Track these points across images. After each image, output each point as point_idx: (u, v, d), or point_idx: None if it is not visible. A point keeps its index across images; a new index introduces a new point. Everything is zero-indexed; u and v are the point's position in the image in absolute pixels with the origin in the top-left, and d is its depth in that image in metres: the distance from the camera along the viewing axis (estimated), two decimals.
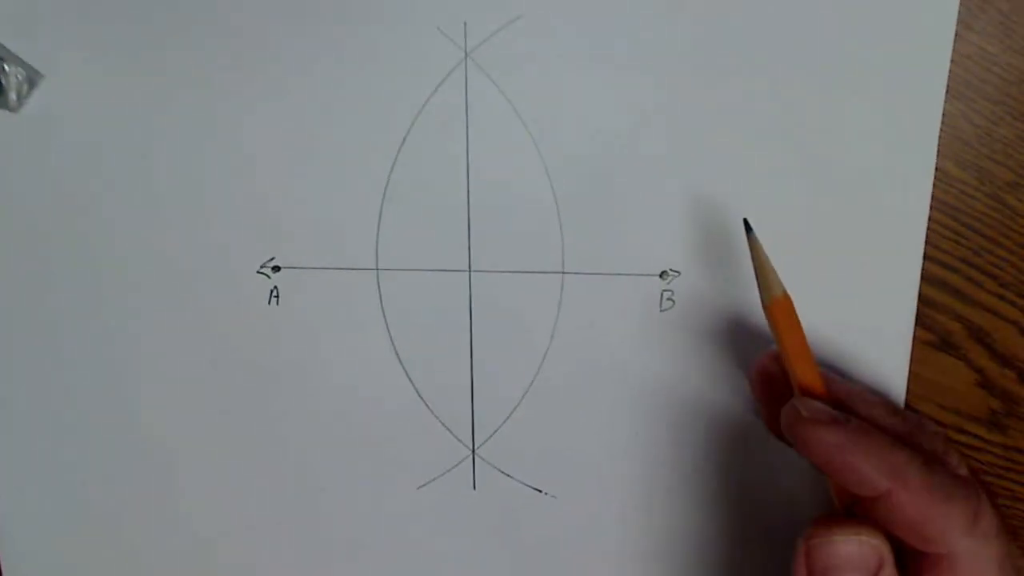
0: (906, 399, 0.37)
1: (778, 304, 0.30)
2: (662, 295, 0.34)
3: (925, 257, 0.35)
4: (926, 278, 0.35)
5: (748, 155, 0.33)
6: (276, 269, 0.34)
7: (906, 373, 0.35)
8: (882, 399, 0.32)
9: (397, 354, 0.35)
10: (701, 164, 0.33)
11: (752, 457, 0.36)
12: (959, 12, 0.33)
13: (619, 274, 0.34)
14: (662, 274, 0.34)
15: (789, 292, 0.30)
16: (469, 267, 0.34)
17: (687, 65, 0.32)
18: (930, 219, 0.35)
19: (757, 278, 0.30)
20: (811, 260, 0.34)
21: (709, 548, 0.37)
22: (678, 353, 0.35)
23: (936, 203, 0.35)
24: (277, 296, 0.34)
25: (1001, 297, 0.36)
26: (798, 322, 0.30)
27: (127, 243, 0.34)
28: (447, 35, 0.32)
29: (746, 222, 0.31)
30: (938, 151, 0.34)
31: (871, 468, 0.27)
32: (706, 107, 0.33)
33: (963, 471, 0.31)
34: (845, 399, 0.31)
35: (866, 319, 0.35)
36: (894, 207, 0.34)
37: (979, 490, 0.28)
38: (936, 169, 0.34)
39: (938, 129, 0.33)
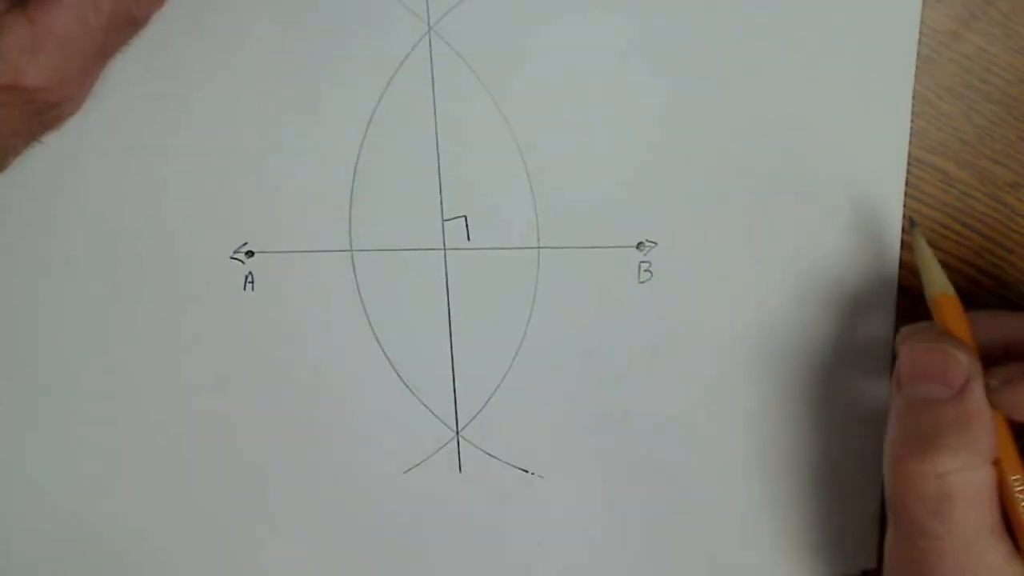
0: None
1: (945, 302, 0.30)
2: (640, 266, 0.34)
3: None
4: None
5: (722, 122, 0.33)
6: (250, 254, 0.34)
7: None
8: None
9: (376, 336, 0.34)
10: (674, 132, 0.33)
11: (734, 425, 0.36)
12: (959, 12, 0.33)
13: (595, 247, 0.34)
14: (639, 245, 0.34)
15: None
16: (444, 245, 0.34)
17: (659, 33, 0.33)
18: (930, 219, 0.35)
19: (922, 276, 0.31)
20: (789, 234, 0.34)
21: (696, 521, 0.36)
22: (657, 324, 0.35)
23: (936, 203, 0.35)
24: (252, 281, 0.34)
25: (1001, 297, 0.36)
26: (963, 315, 0.30)
27: (97, 233, 0.34)
28: (409, 8, 0.32)
29: (911, 220, 0.32)
30: (938, 151, 0.34)
31: None
32: (679, 74, 0.33)
33: None
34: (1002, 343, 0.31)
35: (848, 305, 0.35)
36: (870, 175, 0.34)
37: None
38: (936, 169, 0.34)
39: (909, 108, 0.34)
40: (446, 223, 0.34)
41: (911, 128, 0.34)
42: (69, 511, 0.36)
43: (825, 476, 0.36)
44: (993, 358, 0.30)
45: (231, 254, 0.34)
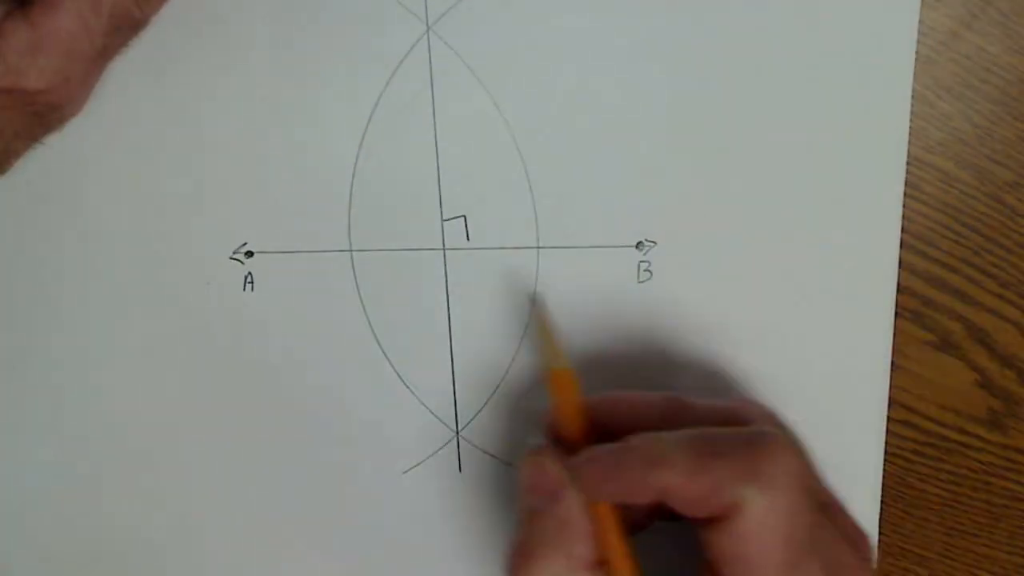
0: (905, 399, 0.36)
1: (559, 376, 0.30)
2: (639, 266, 0.34)
3: (925, 257, 0.35)
4: (926, 278, 0.35)
5: (721, 121, 0.33)
6: (249, 255, 0.34)
7: (888, 379, 0.36)
8: (641, 395, 0.31)
9: (375, 336, 0.34)
10: (674, 131, 0.33)
11: None
12: (959, 12, 0.33)
13: (595, 247, 0.34)
14: (638, 244, 0.34)
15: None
16: (443, 245, 0.34)
17: (658, 33, 0.33)
18: (930, 219, 0.35)
19: (540, 350, 0.31)
20: (788, 233, 0.34)
21: None
22: (657, 323, 0.35)
23: (936, 203, 0.35)
24: (252, 282, 0.34)
25: (1001, 297, 0.36)
26: (578, 394, 0.30)
27: (97, 233, 0.34)
28: (408, 8, 0.32)
29: (535, 296, 0.33)
30: (938, 151, 0.34)
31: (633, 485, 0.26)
32: (678, 74, 0.33)
33: (765, 425, 0.29)
34: (616, 420, 0.30)
35: (844, 310, 0.35)
36: (868, 179, 0.34)
37: (773, 441, 0.26)
38: (936, 169, 0.34)
39: (908, 112, 0.34)
40: (445, 223, 0.34)
41: (911, 128, 0.34)
42: (69, 511, 0.36)
43: (825, 475, 0.36)
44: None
45: (231, 254, 0.34)
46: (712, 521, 0.26)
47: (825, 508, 0.29)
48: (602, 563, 0.27)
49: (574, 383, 0.30)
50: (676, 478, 0.26)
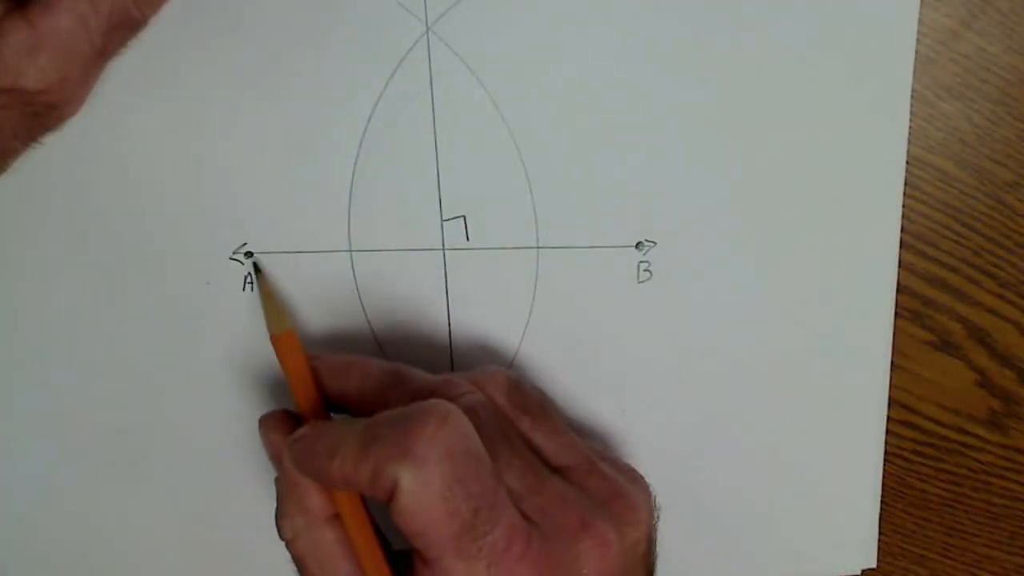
0: (905, 399, 0.36)
1: (282, 339, 0.31)
2: (639, 266, 0.34)
3: (925, 257, 0.35)
4: (926, 278, 0.35)
5: (720, 121, 0.33)
6: (249, 255, 0.34)
7: (887, 379, 0.36)
8: (366, 361, 0.31)
9: (375, 336, 0.34)
10: (673, 131, 0.33)
11: (732, 425, 0.36)
12: (959, 12, 0.33)
13: (595, 247, 0.34)
14: (638, 245, 0.34)
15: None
16: (443, 245, 0.34)
17: (657, 32, 0.32)
18: (930, 219, 0.35)
19: (265, 313, 0.32)
20: (788, 233, 0.34)
21: (696, 521, 0.36)
22: (657, 324, 0.35)
23: (936, 203, 0.35)
24: (251, 282, 0.34)
25: (1001, 297, 0.36)
26: (302, 355, 0.31)
27: (96, 233, 0.33)
28: (407, 8, 0.32)
29: (255, 265, 0.33)
30: (938, 151, 0.34)
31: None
32: (677, 74, 0.33)
33: (465, 398, 0.29)
34: (343, 383, 0.31)
35: (844, 303, 0.35)
36: (867, 179, 0.34)
37: (428, 415, 0.26)
38: (936, 169, 0.34)
39: (908, 114, 0.34)
40: (445, 223, 0.34)
41: (910, 128, 0.34)
42: (68, 510, 0.36)
43: (824, 476, 0.36)
44: (368, 402, 0.30)
45: (230, 255, 0.34)
46: (388, 503, 0.26)
47: (564, 471, 0.29)
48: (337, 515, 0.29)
49: (296, 345, 0.30)
50: (347, 466, 0.26)
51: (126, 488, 0.36)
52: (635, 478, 0.30)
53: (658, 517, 0.30)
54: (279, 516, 0.29)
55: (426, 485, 0.25)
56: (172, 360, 0.35)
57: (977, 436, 0.37)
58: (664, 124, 0.33)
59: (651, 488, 0.30)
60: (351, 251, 0.34)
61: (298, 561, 0.29)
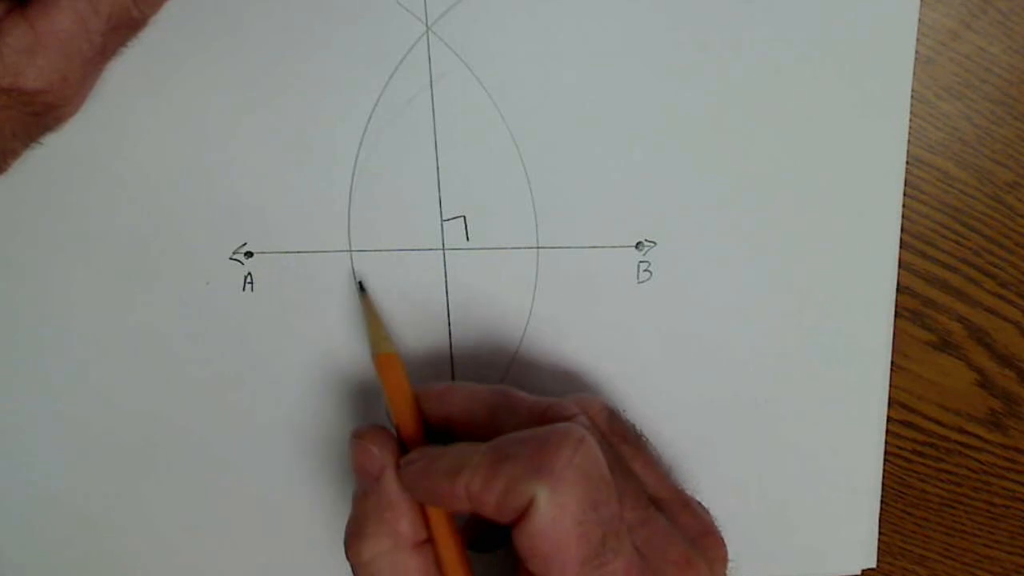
0: (905, 399, 0.36)
1: (387, 361, 0.31)
2: (639, 266, 0.34)
3: (925, 257, 0.35)
4: (926, 278, 0.35)
5: (720, 121, 0.33)
6: (249, 255, 0.34)
7: (887, 379, 0.36)
8: (471, 388, 0.31)
9: None
10: (672, 131, 0.33)
11: (732, 424, 0.36)
12: (959, 12, 0.33)
13: (594, 247, 0.34)
14: (638, 245, 0.34)
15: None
16: (443, 245, 0.34)
17: (656, 33, 0.32)
18: (930, 219, 0.35)
19: (368, 336, 0.32)
20: (787, 233, 0.34)
21: None
22: (656, 323, 0.35)
23: (936, 203, 0.35)
24: (251, 282, 0.34)
25: (1001, 297, 0.36)
26: (404, 377, 0.30)
27: (96, 234, 0.33)
28: (407, 8, 0.32)
29: (360, 284, 0.33)
30: (938, 151, 0.34)
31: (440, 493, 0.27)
32: (677, 74, 0.33)
33: (577, 421, 0.29)
34: (447, 410, 0.31)
35: (844, 299, 0.35)
36: (866, 179, 0.34)
37: (564, 437, 0.26)
38: (936, 169, 0.34)
39: (908, 114, 0.34)
40: (445, 223, 0.34)
41: (910, 128, 0.34)
42: (69, 510, 0.36)
43: (825, 475, 0.36)
44: (475, 424, 0.30)
45: (230, 255, 0.34)
46: (514, 523, 0.26)
47: (659, 503, 0.29)
48: (428, 542, 0.28)
49: (399, 367, 0.30)
50: (476, 484, 0.26)
51: (128, 488, 0.36)
52: (712, 516, 0.31)
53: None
54: (357, 536, 0.28)
55: (563, 506, 0.25)
56: (172, 359, 0.35)
57: (977, 436, 0.37)
58: (664, 124, 0.33)
59: None
60: (351, 251, 0.34)
61: None
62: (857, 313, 0.35)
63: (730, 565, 0.30)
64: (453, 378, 0.35)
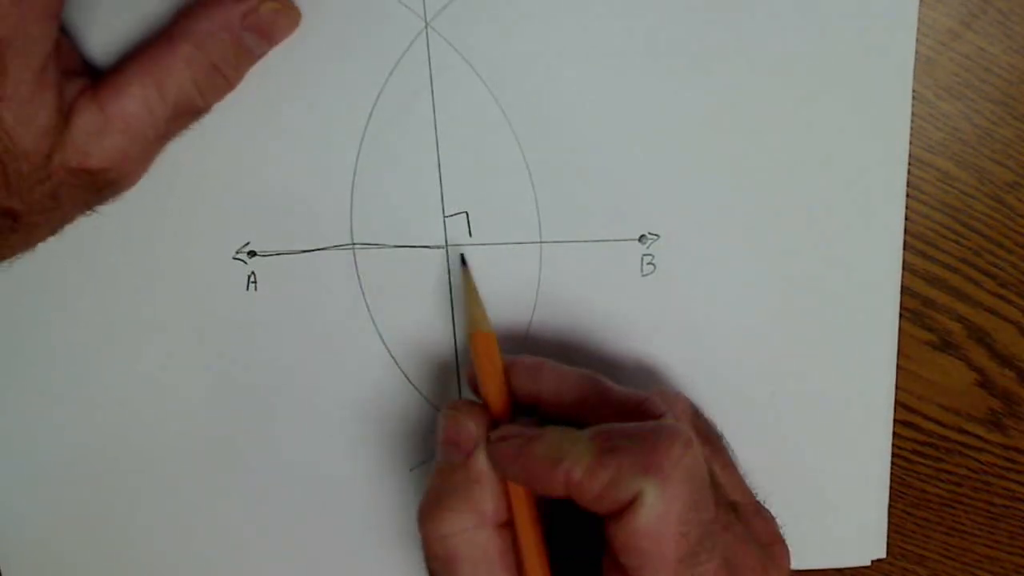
0: (905, 399, 0.36)
1: (483, 339, 0.31)
2: (643, 259, 0.34)
3: (926, 257, 0.35)
4: (926, 278, 0.35)
5: (723, 118, 0.33)
6: (252, 254, 0.34)
7: (894, 368, 0.36)
8: (562, 368, 0.31)
9: (379, 333, 0.34)
10: (675, 127, 0.33)
11: (737, 417, 0.35)
12: (959, 12, 0.33)
13: (598, 240, 0.34)
14: (641, 238, 0.34)
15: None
16: (446, 242, 0.34)
17: (658, 29, 0.32)
18: (930, 219, 0.35)
19: (465, 312, 0.32)
20: (787, 225, 0.34)
21: None
22: (660, 317, 0.35)
23: (936, 203, 0.35)
24: (255, 282, 0.34)
25: (1001, 297, 0.36)
26: (499, 357, 0.31)
27: (97, 234, 0.33)
28: (405, 4, 0.32)
29: (463, 258, 0.33)
30: (938, 151, 0.34)
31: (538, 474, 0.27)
32: (679, 70, 0.33)
33: (675, 418, 0.29)
34: (536, 386, 0.31)
35: (847, 302, 0.35)
36: (869, 174, 0.34)
37: (672, 435, 0.26)
38: (936, 169, 0.34)
39: (909, 113, 0.34)
40: (448, 219, 0.34)
41: (911, 128, 0.34)
42: (69, 509, 0.36)
43: (832, 467, 0.36)
44: (562, 406, 0.30)
45: (233, 255, 0.34)
46: (613, 515, 0.26)
47: (735, 507, 0.29)
48: (509, 524, 0.28)
49: (495, 347, 0.30)
50: (578, 473, 0.26)
51: (129, 488, 0.36)
52: (778, 524, 0.31)
53: None
54: (437, 508, 0.28)
55: (669, 504, 0.25)
56: (175, 360, 0.35)
57: (977, 436, 0.37)
58: (666, 118, 0.33)
59: None
60: (354, 248, 0.34)
61: (445, 559, 0.28)
62: (859, 313, 0.35)
63: None
64: (458, 374, 0.35)
